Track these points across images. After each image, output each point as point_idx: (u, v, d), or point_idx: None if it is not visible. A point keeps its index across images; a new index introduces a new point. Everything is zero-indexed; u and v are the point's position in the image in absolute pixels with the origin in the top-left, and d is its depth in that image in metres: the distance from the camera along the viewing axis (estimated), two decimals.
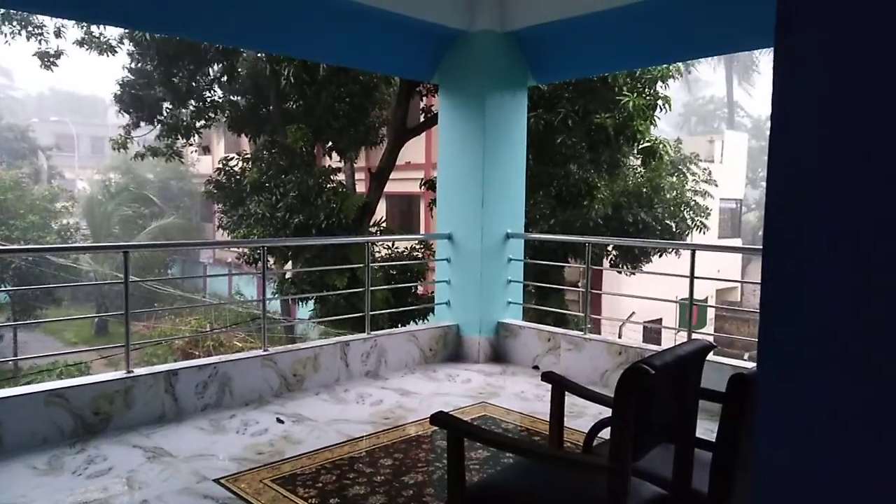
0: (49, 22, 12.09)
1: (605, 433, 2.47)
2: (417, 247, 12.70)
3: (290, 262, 11.81)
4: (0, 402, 3.69)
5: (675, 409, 1.98)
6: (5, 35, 11.79)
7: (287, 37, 5.30)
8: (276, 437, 4.05)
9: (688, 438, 2.02)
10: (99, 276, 20.23)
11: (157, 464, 3.59)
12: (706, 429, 2.33)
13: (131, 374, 4.17)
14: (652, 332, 17.11)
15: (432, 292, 12.39)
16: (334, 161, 13.43)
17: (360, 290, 6.07)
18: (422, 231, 18.98)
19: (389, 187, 12.41)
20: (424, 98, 12.33)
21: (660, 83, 8.64)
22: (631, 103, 8.24)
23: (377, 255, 11.22)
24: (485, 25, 5.59)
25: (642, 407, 1.81)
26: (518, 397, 4.98)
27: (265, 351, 4.89)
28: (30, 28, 11.92)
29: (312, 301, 12.08)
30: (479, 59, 5.72)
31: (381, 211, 13.10)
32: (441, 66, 5.97)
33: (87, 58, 13.58)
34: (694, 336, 4.97)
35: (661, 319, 18.07)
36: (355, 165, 13.95)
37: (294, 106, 12.12)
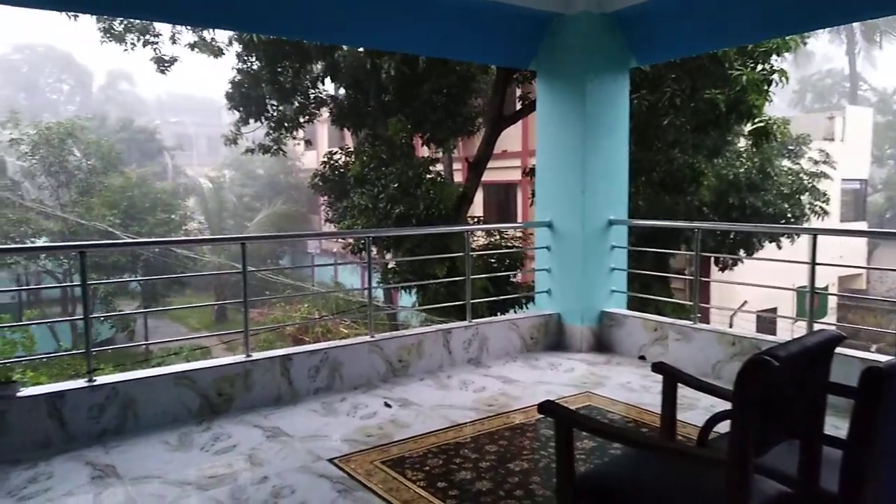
0: (165, 30, 12.99)
1: (721, 427, 2.38)
2: (518, 235, 12.66)
3: (390, 252, 12.12)
4: (136, 382, 4.03)
5: (800, 403, 1.87)
6: (126, 43, 12.74)
7: (386, 31, 5.41)
8: (384, 420, 4.19)
9: (815, 434, 1.91)
10: (216, 266, 21.61)
11: (275, 443, 3.81)
12: (831, 425, 2.19)
13: (250, 359, 4.44)
14: (766, 321, 16.18)
15: (531, 281, 12.36)
16: (433, 151, 13.60)
17: (461, 278, 6.13)
18: (520, 218, 18.88)
19: (486, 176, 12.42)
20: (521, 85, 12.22)
21: (774, 56, 8.07)
22: (744, 77, 7.76)
23: (475, 243, 11.28)
24: (582, 7, 5.45)
25: (765, 400, 1.73)
26: (624, 388, 4.87)
27: (372, 337, 5.06)
28: (147, 36, 12.82)
29: (414, 290, 12.33)
30: (577, 43, 5.58)
31: (478, 200, 13.15)
32: (538, 52, 5.88)
33: (200, 61, 14.47)
34: (817, 327, 4.65)
35: (775, 309, 17.05)
36: (453, 155, 14.07)
37: (393, 99, 12.37)
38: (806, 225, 12.65)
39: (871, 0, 4.61)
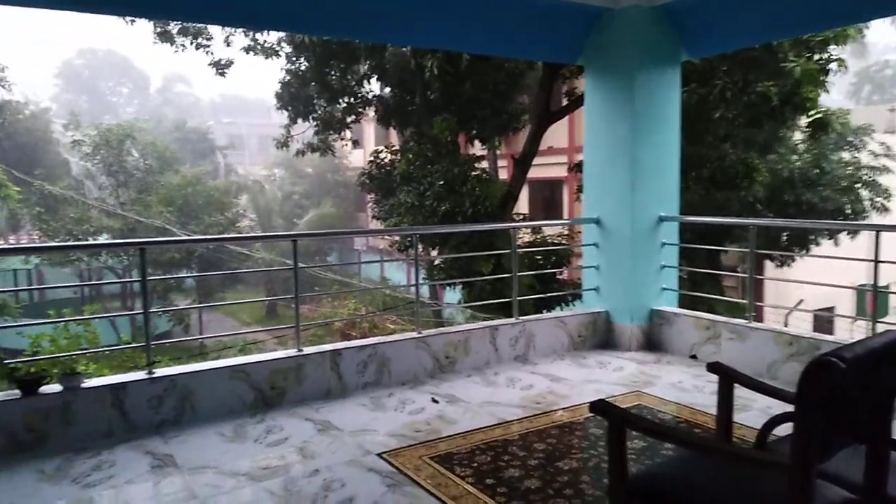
0: (218, 34, 13.33)
1: (780, 430, 2.31)
2: (565, 232, 12.54)
3: (436, 249, 12.17)
4: (193, 375, 4.16)
5: (866, 406, 1.80)
6: (177, 45, 13.11)
7: (431, 29, 5.43)
8: (431, 416, 4.21)
9: (882, 438, 1.83)
10: (267, 262, 22.09)
11: (326, 436, 3.87)
12: None
13: (302, 353, 4.53)
14: (823, 321, 15.62)
15: (577, 278, 12.25)
16: (477, 149, 13.58)
17: (507, 276, 6.11)
18: (566, 215, 18.70)
19: (531, 172, 12.35)
20: (567, 81, 12.08)
21: (833, 45, 7.76)
22: (798, 69, 7.49)
23: (520, 241, 11.23)
24: (632, 0, 5.36)
25: (829, 403, 1.67)
26: (675, 387, 4.78)
27: (419, 334, 5.09)
28: (199, 39, 13.17)
29: (459, 286, 12.36)
30: (627, 37, 5.49)
31: (523, 197, 13.08)
32: (586, 47, 5.81)
33: (252, 63, 14.80)
34: (880, 327, 4.47)
35: (833, 308, 16.44)
36: (497, 152, 14.03)
37: (438, 97, 12.40)
38: (867, 221, 12.14)
39: None
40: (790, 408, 1.80)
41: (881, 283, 4.57)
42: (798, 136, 10.97)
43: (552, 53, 6.72)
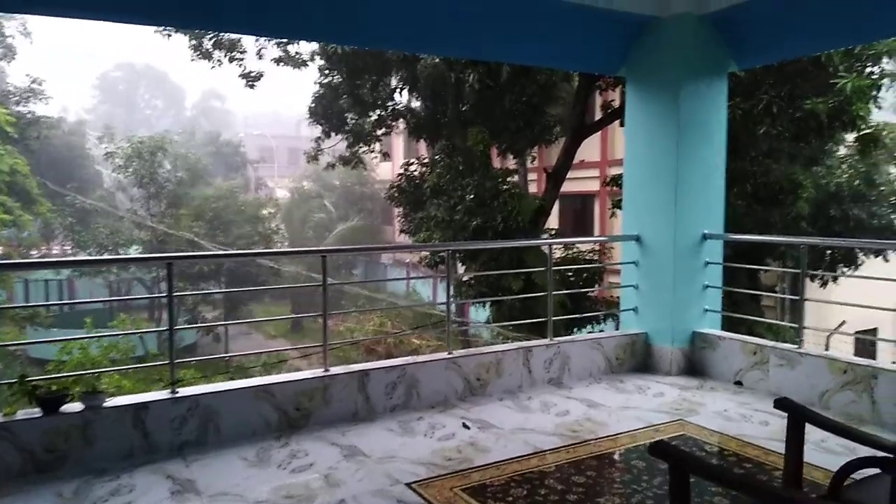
0: (250, 46, 13.43)
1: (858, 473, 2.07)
2: (594, 248, 12.26)
3: (463, 265, 11.96)
4: (217, 395, 4.01)
5: None
6: (214, 60, 13.23)
7: (474, 40, 5.30)
8: (463, 443, 4.00)
9: None
10: (295, 275, 22.12)
11: (352, 462, 3.69)
12: None
13: (328, 373, 4.36)
14: (865, 343, 15.01)
15: (610, 296, 11.94)
16: (510, 162, 13.39)
17: (541, 294, 5.89)
18: (597, 230, 18.38)
19: (563, 187, 12.10)
20: (602, 93, 11.86)
21: (885, 59, 7.42)
22: (849, 85, 7.17)
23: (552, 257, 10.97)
24: (680, 9, 5.14)
25: None
26: (720, 416, 4.50)
27: (450, 354, 4.89)
28: (233, 52, 13.28)
29: (488, 304, 12.13)
30: (673, 47, 5.27)
31: (553, 211, 12.82)
32: (629, 57, 5.60)
33: (283, 77, 14.91)
34: None
35: (875, 330, 15.82)
36: (528, 166, 13.82)
37: (471, 109, 12.26)
38: None
39: None
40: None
41: None
42: (843, 150, 10.57)
43: (595, 64, 6.51)
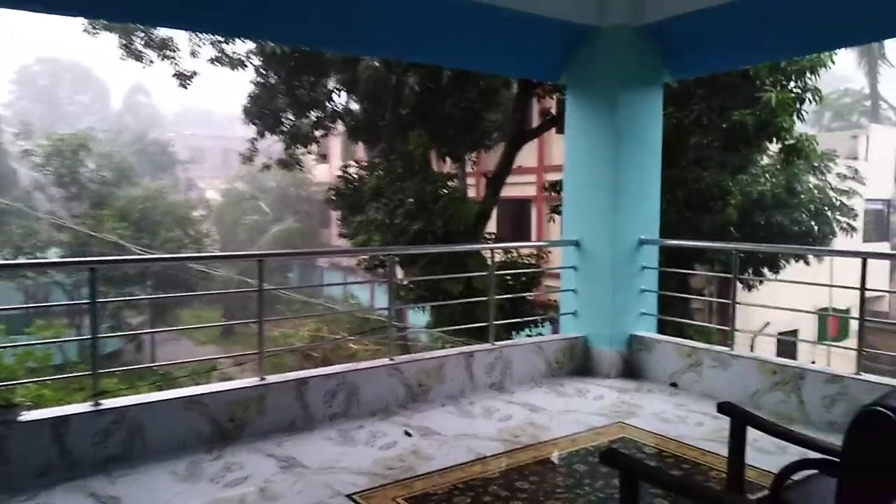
0: (184, 45, 12.93)
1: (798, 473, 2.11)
2: (532, 252, 12.40)
3: (403, 269, 11.86)
4: (144, 406, 3.78)
5: None
6: (145, 61, 12.66)
7: (413, 42, 5.23)
8: (405, 451, 3.92)
9: None
10: (227, 279, 21.41)
11: (290, 474, 3.55)
12: None
13: (264, 382, 4.19)
14: (787, 344, 15.81)
15: (547, 300, 12.10)
16: (449, 166, 13.40)
17: (483, 298, 5.88)
18: (534, 235, 18.64)
19: (502, 192, 12.20)
20: (541, 100, 12.03)
21: (808, 74, 7.82)
22: (773, 98, 7.51)
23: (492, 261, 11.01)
24: (617, 20, 5.24)
25: (881, 459, 1.47)
26: (658, 418, 4.58)
27: (391, 360, 4.80)
28: (165, 51, 12.75)
29: (428, 308, 12.08)
30: (611, 56, 5.36)
31: (493, 216, 12.91)
32: (569, 65, 5.67)
33: (217, 75, 14.43)
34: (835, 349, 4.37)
35: (796, 331, 16.67)
36: (467, 171, 13.88)
37: (411, 113, 12.20)
38: (833, 243, 12.33)
39: None
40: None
41: (842, 306, 4.50)
42: (766, 159, 11.11)
43: (535, 70, 6.58)
